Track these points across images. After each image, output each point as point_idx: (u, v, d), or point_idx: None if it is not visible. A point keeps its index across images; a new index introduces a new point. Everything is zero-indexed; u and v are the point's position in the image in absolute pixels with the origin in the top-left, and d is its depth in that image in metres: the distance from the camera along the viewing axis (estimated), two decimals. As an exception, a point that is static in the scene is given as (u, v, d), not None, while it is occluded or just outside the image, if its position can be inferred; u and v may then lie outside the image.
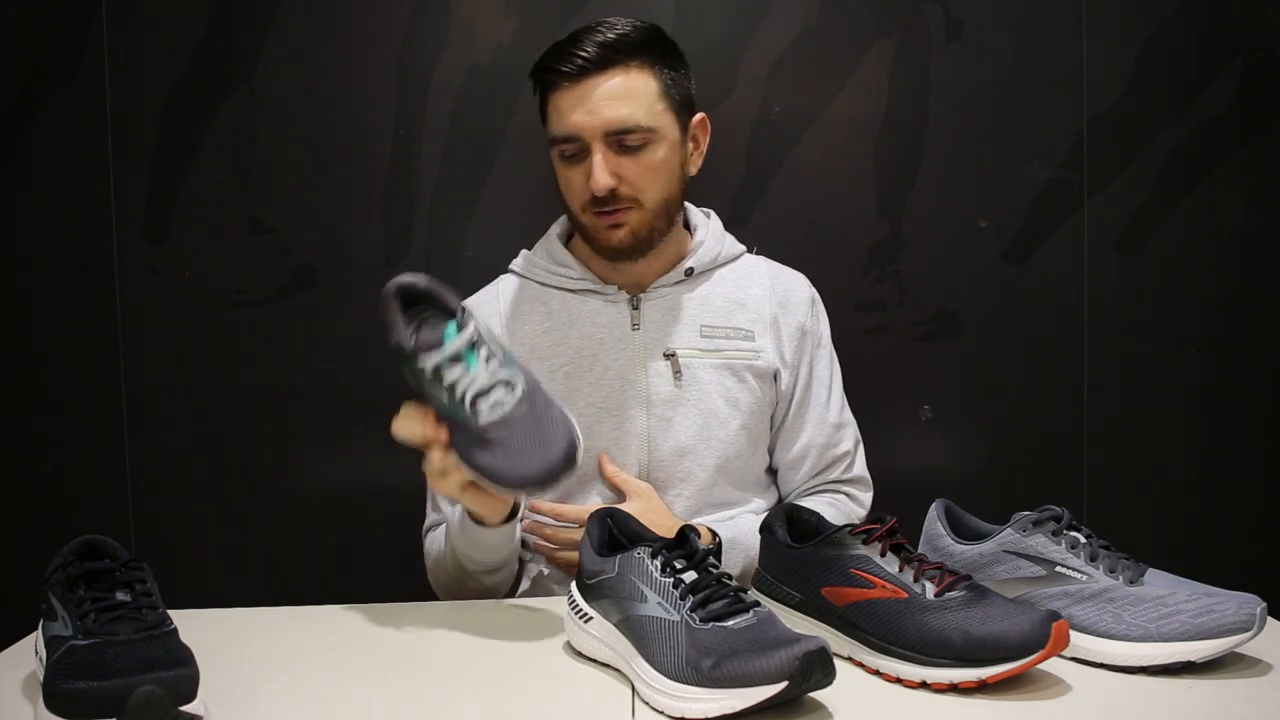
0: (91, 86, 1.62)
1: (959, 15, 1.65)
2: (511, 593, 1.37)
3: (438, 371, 1.00)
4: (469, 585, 1.25)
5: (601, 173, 1.25)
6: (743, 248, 1.43)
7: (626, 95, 1.25)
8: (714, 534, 1.25)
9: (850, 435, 1.42)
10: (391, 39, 1.63)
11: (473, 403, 1.00)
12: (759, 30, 1.64)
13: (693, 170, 1.35)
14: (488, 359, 1.01)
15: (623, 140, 1.25)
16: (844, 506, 1.38)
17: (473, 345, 1.01)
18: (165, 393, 1.66)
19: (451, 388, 1.00)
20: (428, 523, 1.37)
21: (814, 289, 1.43)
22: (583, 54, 1.24)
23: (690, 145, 1.34)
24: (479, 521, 1.16)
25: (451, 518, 1.23)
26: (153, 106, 1.62)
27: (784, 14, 1.64)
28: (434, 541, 1.33)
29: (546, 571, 1.33)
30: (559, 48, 1.27)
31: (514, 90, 1.63)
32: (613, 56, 1.24)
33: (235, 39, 1.62)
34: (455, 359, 1.00)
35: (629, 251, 1.31)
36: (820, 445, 1.38)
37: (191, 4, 1.61)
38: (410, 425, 1.06)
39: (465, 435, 1.02)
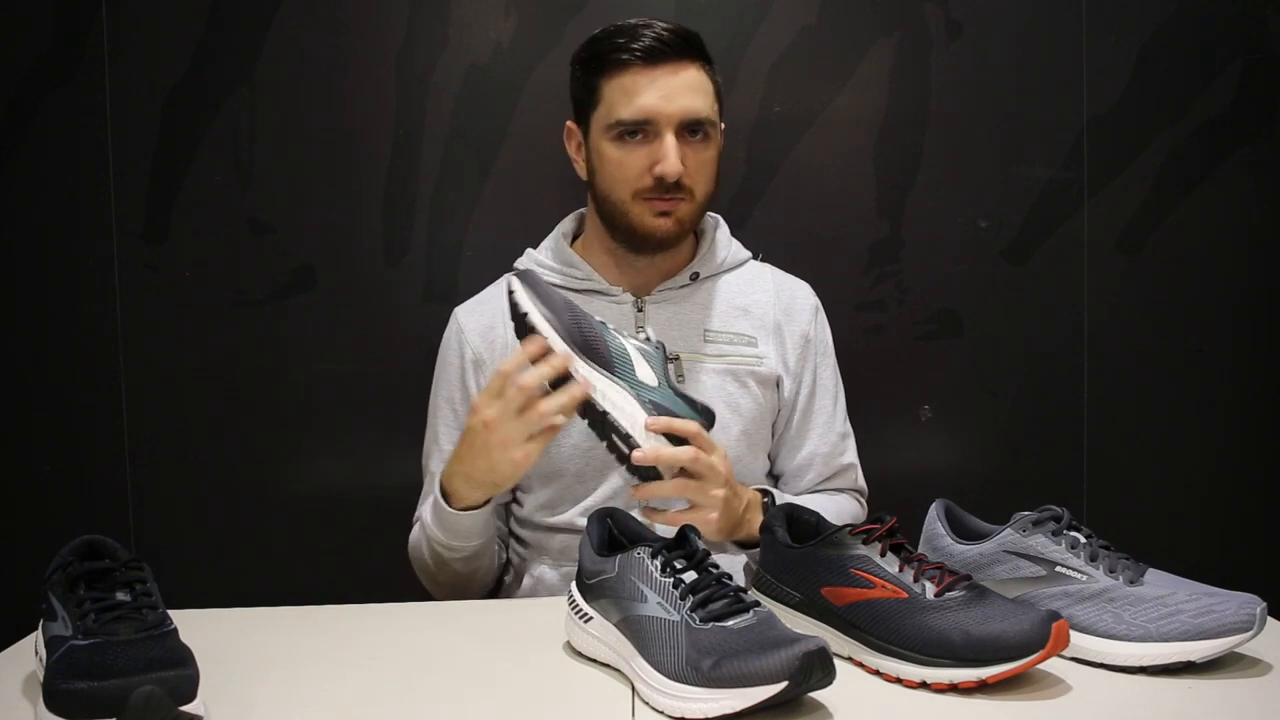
0: (91, 86, 1.62)
1: (959, 15, 1.65)
2: (508, 593, 1.38)
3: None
4: (446, 573, 1.26)
5: (676, 157, 1.25)
6: (748, 254, 1.43)
7: (700, 88, 1.27)
8: (765, 492, 1.26)
9: (852, 446, 1.43)
10: (391, 39, 1.63)
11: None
12: (759, 30, 1.64)
13: None
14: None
15: (692, 130, 1.27)
16: (852, 506, 1.39)
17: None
18: (165, 393, 1.66)
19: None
20: (417, 513, 1.38)
21: (817, 298, 1.43)
22: (658, 36, 1.25)
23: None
24: (450, 504, 1.19)
25: (427, 507, 1.25)
26: (153, 106, 1.62)
27: (784, 14, 1.64)
28: (418, 528, 1.33)
29: (540, 559, 1.33)
30: (621, 33, 1.27)
31: (514, 90, 1.63)
32: (686, 47, 1.26)
33: (235, 39, 1.62)
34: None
35: (668, 242, 1.31)
36: (825, 454, 1.38)
37: (191, 4, 1.61)
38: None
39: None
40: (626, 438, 1.10)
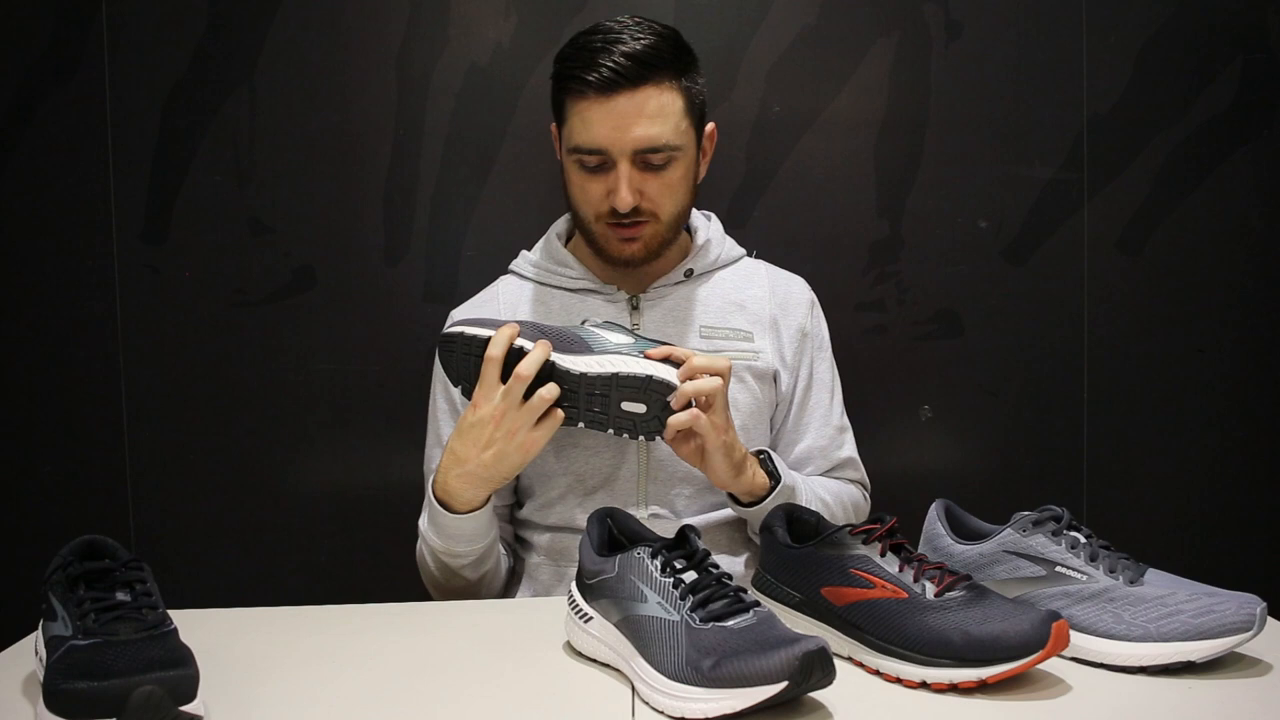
0: (91, 86, 1.62)
1: (959, 15, 1.65)
2: (507, 594, 1.38)
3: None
4: (455, 582, 1.26)
5: (627, 191, 1.23)
6: (742, 250, 1.43)
7: (658, 115, 1.23)
8: (769, 470, 1.26)
9: (851, 440, 1.42)
10: (391, 39, 1.63)
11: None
12: (759, 30, 1.64)
13: (699, 177, 1.35)
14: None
15: (649, 159, 1.24)
16: (855, 494, 1.39)
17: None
18: (165, 393, 1.66)
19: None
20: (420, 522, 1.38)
21: (813, 292, 1.43)
22: (614, 66, 1.20)
23: (700, 155, 1.33)
24: (450, 509, 1.20)
25: (424, 520, 1.25)
26: (153, 106, 1.62)
27: (784, 14, 1.64)
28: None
29: (541, 560, 1.33)
30: (585, 52, 1.23)
31: (514, 90, 1.63)
32: (644, 72, 1.21)
33: (235, 39, 1.62)
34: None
35: (636, 263, 1.31)
36: (823, 448, 1.38)
37: (191, 4, 1.61)
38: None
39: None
40: (648, 381, 1.14)
